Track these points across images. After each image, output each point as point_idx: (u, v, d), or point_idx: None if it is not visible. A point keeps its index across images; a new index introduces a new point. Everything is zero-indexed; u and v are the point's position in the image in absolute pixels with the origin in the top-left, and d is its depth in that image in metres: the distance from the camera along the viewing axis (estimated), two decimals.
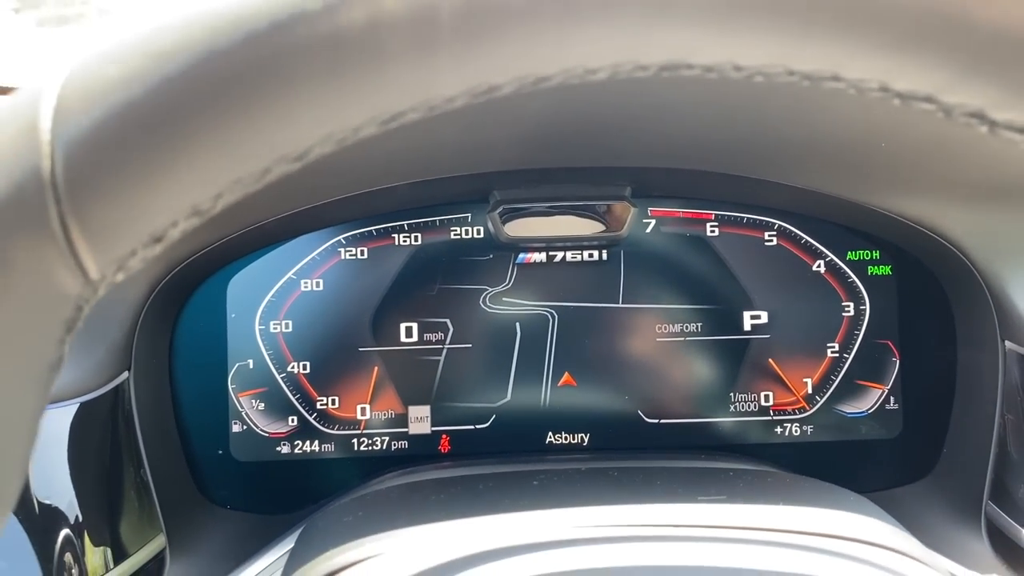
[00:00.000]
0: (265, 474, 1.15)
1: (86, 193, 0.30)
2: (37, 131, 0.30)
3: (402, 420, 1.15)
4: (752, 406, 1.17)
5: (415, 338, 1.15)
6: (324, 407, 1.15)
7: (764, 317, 1.16)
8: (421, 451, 1.16)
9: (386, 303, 1.15)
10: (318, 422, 1.15)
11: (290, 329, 1.14)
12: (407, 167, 1.05)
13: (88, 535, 0.87)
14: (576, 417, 1.17)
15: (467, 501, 0.80)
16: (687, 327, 1.16)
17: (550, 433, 1.17)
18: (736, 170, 1.10)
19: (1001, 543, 0.99)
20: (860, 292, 1.16)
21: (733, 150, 1.03)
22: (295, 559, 0.76)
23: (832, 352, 1.17)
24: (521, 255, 1.16)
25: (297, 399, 1.14)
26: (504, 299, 1.16)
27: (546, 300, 1.16)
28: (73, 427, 0.88)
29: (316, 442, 1.15)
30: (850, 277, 1.16)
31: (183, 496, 1.10)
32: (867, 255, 1.16)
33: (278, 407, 1.14)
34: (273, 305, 1.14)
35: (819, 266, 1.17)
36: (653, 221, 1.16)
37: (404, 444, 1.16)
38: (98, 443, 0.94)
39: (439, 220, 1.15)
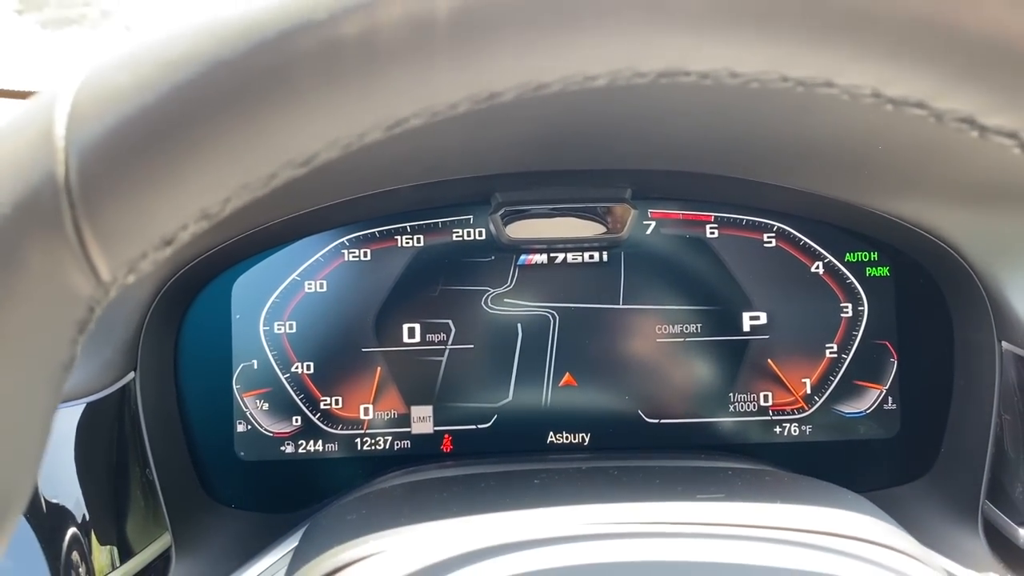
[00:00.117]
0: (269, 473, 1.15)
1: (99, 198, 0.31)
2: (52, 137, 0.31)
3: (405, 420, 1.16)
4: (751, 406, 1.17)
5: (417, 339, 1.16)
6: (328, 407, 1.15)
7: (763, 318, 1.17)
8: (424, 451, 1.16)
9: (389, 304, 1.16)
10: (322, 422, 1.15)
11: (294, 330, 1.15)
12: (410, 170, 1.06)
13: (95, 534, 0.88)
14: (577, 417, 1.18)
15: (469, 500, 0.81)
16: (687, 328, 1.17)
17: (551, 433, 1.18)
18: (735, 172, 1.10)
19: (997, 542, 1.00)
20: (858, 293, 1.17)
21: (732, 152, 1.04)
22: (299, 557, 0.77)
23: (830, 353, 1.17)
24: (522, 256, 1.17)
25: (301, 399, 1.15)
26: (505, 300, 1.16)
27: (547, 301, 1.17)
28: (80, 427, 0.89)
29: (320, 442, 1.16)
30: (848, 278, 1.17)
31: (188, 495, 1.11)
32: (865, 256, 1.17)
33: (282, 407, 1.15)
34: (277, 306, 1.15)
35: (818, 267, 1.17)
36: (653, 223, 1.17)
37: (407, 444, 1.16)
38: (104, 443, 0.95)
39: (441, 222, 1.16)
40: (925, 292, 1.16)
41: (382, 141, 0.33)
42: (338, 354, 1.16)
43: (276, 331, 1.15)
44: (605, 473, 0.91)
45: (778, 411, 1.17)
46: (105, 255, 0.32)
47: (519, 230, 1.15)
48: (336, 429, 1.16)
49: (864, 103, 0.33)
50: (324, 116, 0.31)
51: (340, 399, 1.16)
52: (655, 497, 0.76)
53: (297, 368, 1.15)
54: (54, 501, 0.83)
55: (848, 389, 1.17)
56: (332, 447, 1.16)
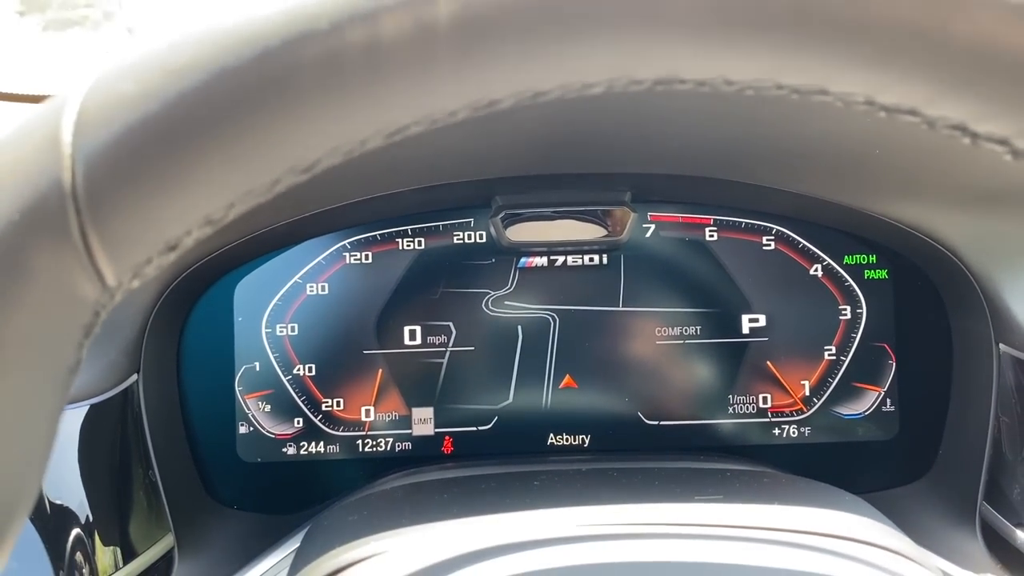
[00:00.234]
0: (271, 475, 1.16)
1: (105, 204, 0.31)
2: (59, 144, 0.31)
3: (406, 422, 1.17)
4: (750, 408, 1.18)
5: (418, 341, 1.16)
6: (329, 409, 1.16)
7: (762, 320, 1.17)
8: (425, 452, 1.17)
9: (390, 307, 1.16)
10: (323, 424, 1.16)
11: (296, 332, 1.15)
12: (411, 173, 1.06)
13: (98, 534, 0.88)
14: (577, 419, 1.18)
15: (470, 501, 0.81)
16: (686, 330, 1.17)
17: (551, 434, 1.18)
18: (734, 176, 1.11)
19: (995, 543, 1.00)
20: (857, 296, 1.17)
21: (732, 156, 1.04)
22: (301, 558, 0.77)
23: (829, 355, 1.18)
24: (523, 259, 1.17)
25: (303, 401, 1.16)
26: (506, 303, 1.17)
27: (547, 304, 1.17)
28: (83, 428, 0.89)
29: (321, 443, 1.16)
30: (847, 281, 1.17)
31: (191, 496, 1.11)
32: (864, 259, 1.17)
33: (284, 409, 1.16)
34: (279, 309, 1.15)
35: (816, 270, 1.18)
36: (653, 226, 1.17)
37: (408, 445, 1.17)
38: (108, 444, 0.96)
39: (442, 225, 1.17)
40: (923, 295, 1.16)
41: (383, 146, 0.33)
42: (340, 356, 1.16)
43: (278, 333, 1.15)
44: (605, 475, 0.91)
45: (777, 413, 1.18)
46: (111, 260, 0.32)
47: (519, 233, 1.15)
48: (337, 431, 1.16)
49: (858, 110, 0.34)
50: (326, 124, 0.32)
51: (341, 401, 1.16)
52: (654, 499, 0.76)
53: (299, 370, 1.15)
54: (58, 502, 0.84)
55: (847, 391, 1.18)
56: (333, 449, 1.16)
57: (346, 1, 0.30)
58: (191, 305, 1.14)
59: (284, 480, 1.16)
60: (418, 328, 1.16)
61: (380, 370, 1.16)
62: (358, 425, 1.16)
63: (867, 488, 1.09)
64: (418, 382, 1.17)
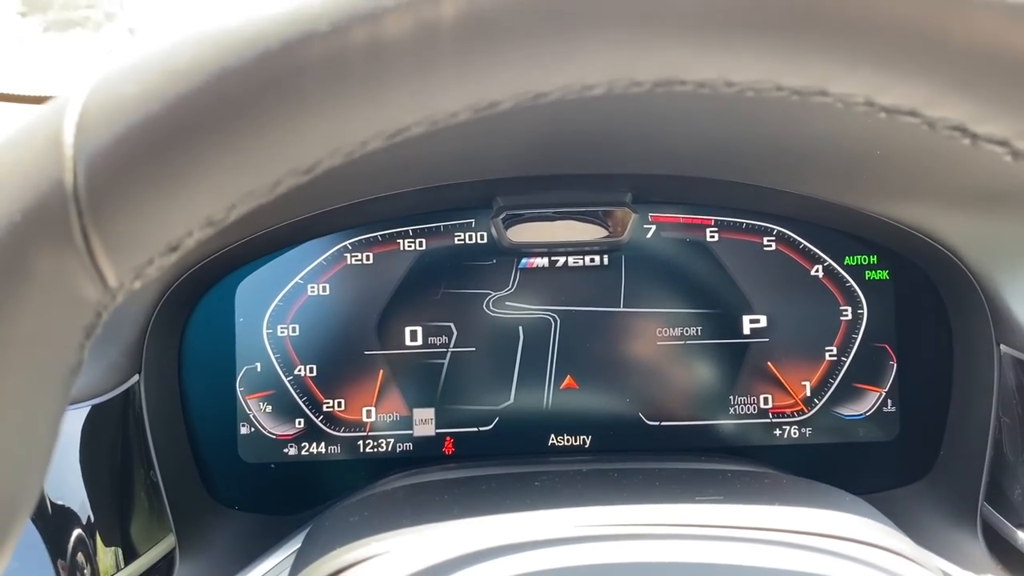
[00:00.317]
0: (272, 475, 1.16)
1: (106, 206, 0.31)
2: (61, 146, 0.31)
3: (407, 422, 1.17)
4: (751, 409, 1.18)
5: (419, 342, 1.16)
6: (330, 409, 1.16)
7: (763, 321, 1.17)
8: (426, 453, 1.17)
9: (391, 307, 1.16)
10: (324, 424, 1.16)
11: (297, 333, 1.15)
12: (412, 174, 1.07)
13: (100, 535, 0.88)
14: (578, 419, 1.18)
15: (471, 501, 0.81)
16: (687, 331, 1.17)
17: (552, 435, 1.18)
18: (735, 176, 1.11)
19: (996, 544, 1.00)
20: (858, 296, 1.17)
21: (732, 157, 1.04)
22: (302, 558, 0.77)
23: (830, 356, 1.18)
24: (524, 260, 1.17)
25: (304, 402, 1.16)
26: (507, 303, 1.17)
27: (548, 304, 1.17)
28: (85, 429, 0.90)
29: (322, 444, 1.16)
30: (848, 281, 1.17)
31: (192, 497, 1.11)
32: (865, 260, 1.17)
33: (285, 409, 1.16)
34: (280, 309, 1.15)
35: (817, 271, 1.18)
36: (654, 226, 1.18)
37: (409, 446, 1.17)
38: (109, 445, 0.96)
39: (443, 226, 1.17)
40: (924, 295, 1.16)
41: (384, 147, 0.33)
42: (341, 357, 1.16)
43: (279, 334, 1.15)
44: (606, 475, 0.91)
45: (778, 414, 1.18)
46: (112, 262, 0.32)
47: (520, 233, 1.15)
48: (338, 431, 1.16)
49: (858, 111, 0.34)
50: (327, 125, 0.32)
51: (343, 402, 1.16)
52: (655, 499, 0.76)
53: (300, 371, 1.15)
54: (59, 502, 0.84)
55: (848, 392, 1.18)
56: (335, 449, 1.16)
57: (347, 2, 0.30)
58: (192, 306, 1.14)
59: (285, 481, 1.16)
60: (419, 329, 1.16)
61: (381, 371, 1.16)
62: (359, 426, 1.16)
63: (868, 489, 1.09)
64: (419, 383, 1.17)
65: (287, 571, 0.82)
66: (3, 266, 0.31)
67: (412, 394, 1.17)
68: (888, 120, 0.34)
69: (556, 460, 1.15)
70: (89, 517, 0.87)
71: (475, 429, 1.17)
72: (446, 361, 1.16)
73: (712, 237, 1.18)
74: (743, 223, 1.17)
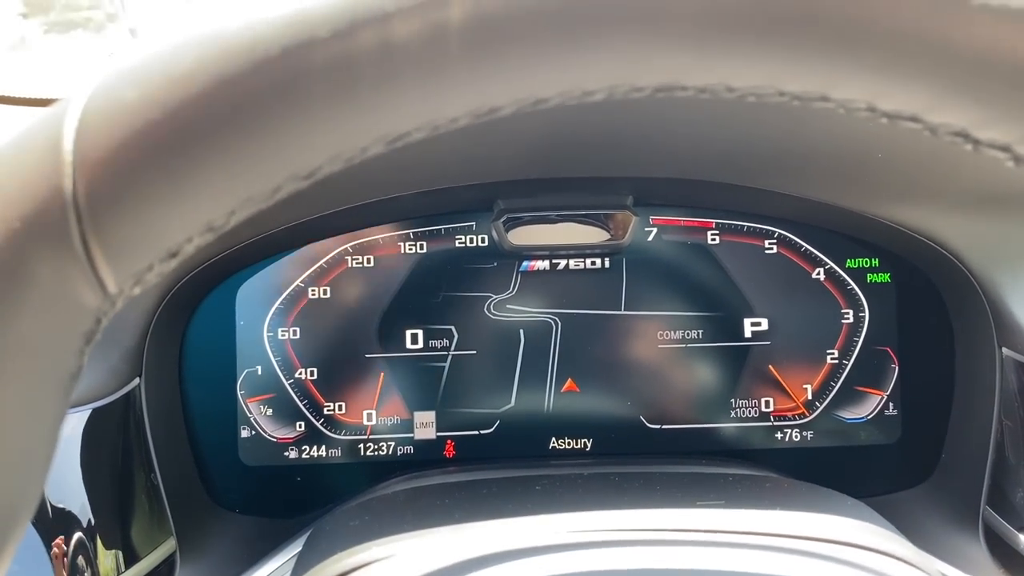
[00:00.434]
0: (273, 478, 1.16)
1: (106, 212, 0.31)
2: (60, 152, 0.31)
3: (408, 426, 1.17)
4: (753, 412, 1.17)
5: (420, 345, 1.16)
6: (331, 413, 1.16)
7: (764, 324, 1.17)
8: (426, 456, 1.17)
9: (392, 310, 1.16)
10: (325, 427, 1.16)
11: (298, 336, 1.15)
12: (413, 177, 1.07)
13: (100, 538, 0.88)
14: (579, 423, 1.18)
15: (471, 506, 0.81)
16: (688, 334, 1.17)
17: (553, 438, 1.18)
18: (737, 180, 1.11)
19: (998, 548, 1.00)
20: (859, 299, 1.17)
21: (733, 160, 1.04)
22: (303, 562, 0.77)
23: (832, 359, 1.17)
24: (525, 263, 1.17)
25: (305, 405, 1.15)
26: (508, 306, 1.17)
27: (549, 307, 1.17)
28: (86, 432, 0.89)
29: (323, 447, 1.16)
30: (849, 284, 1.17)
31: (193, 500, 1.11)
32: (866, 263, 1.17)
33: (286, 413, 1.15)
34: (281, 312, 1.15)
35: (819, 273, 1.17)
36: (655, 229, 1.17)
37: (410, 449, 1.17)
38: (110, 448, 0.96)
39: (444, 229, 1.17)
40: (926, 298, 1.16)
41: (384, 152, 0.33)
42: (341, 360, 1.16)
43: (280, 337, 1.15)
44: (606, 479, 0.91)
45: (779, 417, 1.18)
46: (112, 268, 0.32)
47: (521, 236, 1.15)
48: (339, 435, 1.16)
49: (859, 116, 0.34)
50: (328, 131, 0.31)
51: (343, 405, 1.16)
52: (655, 504, 0.76)
53: (301, 374, 1.15)
54: (60, 506, 0.84)
55: (849, 395, 1.18)
56: (335, 452, 1.16)
57: (348, 8, 0.30)
58: (193, 309, 1.14)
59: (286, 484, 1.16)
60: (420, 332, 1.16)
61: (382, 374, 1.16)
62: (360, 429, 1.16)
63: (870, 492, 1.09)
64: (420, 386, 1.17)
65: (288, 575, 0.82)
66: (2, 272, 0.31)
67: (413, 397, 1.17)
68: (890, 125, 0.34)
69: (557, 463, 1.15)
70: (90, 520, 0.87)
71: (476, 432, 1.17)
72: (447, 364, 1.16)
73: (713, 240, 1.18)
74: (744, 226, 1.17)
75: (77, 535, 0.84)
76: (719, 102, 0.36)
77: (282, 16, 0.31)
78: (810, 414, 1.18)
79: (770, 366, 1.17)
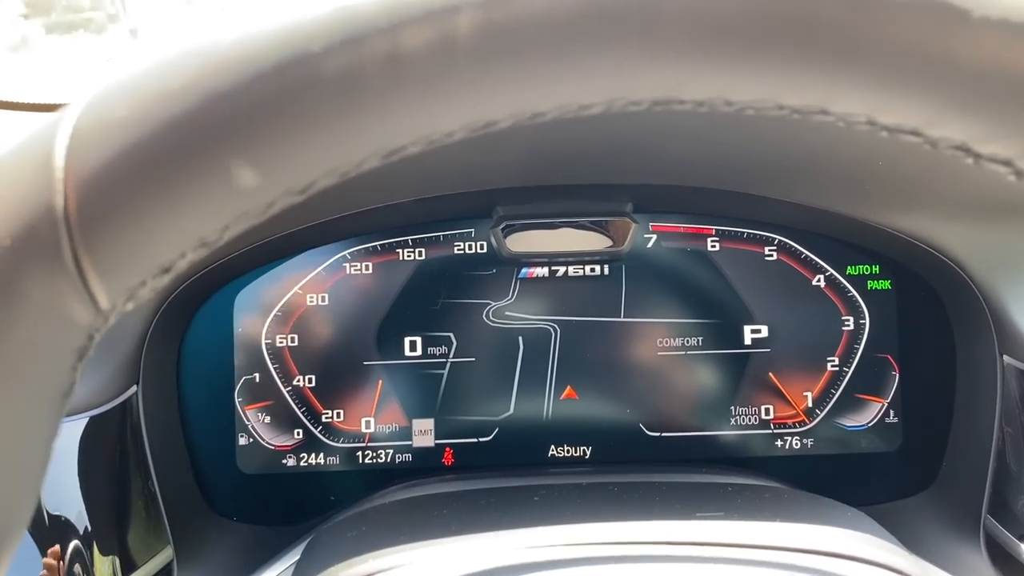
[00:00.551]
0: (271, 486, 1.15)
1: (98, 229, 0.31)
2: (51, 168, 0.31)
3: (406, 433, 1.16)
4: (753, 419, 1.17)
5: (419, 352, 1.16)
6: (329, 420, 1.16)
7: (764, 331, 1.17)
8: (425, 464, 1.16)
9: (390, 317, 1.16)
10: (323, 435, 1.15)
11: (296, 343, 1.15)
12: (412, 184, 1.06)
13: (97, 546, 0.88)
14: (578, 430, 1.18)
15: (469, 517, 0.81)
16: (688, 341, 1.17)
17: (552, 446, 1.18)
18: (736, 187, 1.10)
19: (999, 557, 1.00)
20: (860, 306, 1.17)
21: (733, 167, 1.04)
22: (301, 571, 0.77)
23: (832, 366, 1.17)
24: (524, 270, 1.17)
25: (303, 412, 1.15)
26: (507, 313, 1.16)
27: (548, 314, 1.17)
28: (83, 440, 0.89)
29: (321, 455, 1.16)
30: (850, 291, 1.17)
31: (190, 508, 1.11)
32: (867, 270, 1.17)
33: (284, 420, 1.15)
34: (279, 319, 1.15)
35: (819, 280, 1.17)
36: (654, 236, 1.17)
37: (408, 457, 1.16)
38: (107, 456, 0.95)
39: (443, 235, 1.16)
40: (927, 305, 1.16)
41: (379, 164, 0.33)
42: (340, 367, 1.16)
43: (278, 344, 1.15)
44: (605, 490, 0.91)
45: (780, 424, 1.17)
46: (104, 284, 0.32)
47: (520, 243, 1.15)
48: (337, 442, 1.16)
49: (859, 130, 0.34)
50: (322, 147, 0.31)
51: (342, 412, 1.16)
52: (655, 515, 0.76)
53: (299, 381, 1.15)
54: (57, 513, 0.84)
55: (850, 402, 1.17)
56: (333, 460, 1.16)
57: (340, 24, 0.30)
58: (190, 316, 1.14)
59: (284, 491, 1.15)
60: (418, 339, 1.16)
61: (380, 381, 1.16)
62: (358, 436, 1.16)
63: (870, 500, 1.09)
64: (418, 393, 1.16)
65: None
66: None
67: (411, 404, 1.16)
68: (890, 137, 0.34)
69: (556, 471, 1.14)
70: (87, 528, 0.87)
71: (475, 440, 1.17)
72: (445, 371, 1.16)
73: (713, 247, 1.17)
74: (744, 233, 1.17)
75: (74, 543, 0.84)
76: (718, 113, 0.36)
77: (274, 30, 0.31)
78: (810, 421, 1.17)
79: (770, 373, 1.17)
